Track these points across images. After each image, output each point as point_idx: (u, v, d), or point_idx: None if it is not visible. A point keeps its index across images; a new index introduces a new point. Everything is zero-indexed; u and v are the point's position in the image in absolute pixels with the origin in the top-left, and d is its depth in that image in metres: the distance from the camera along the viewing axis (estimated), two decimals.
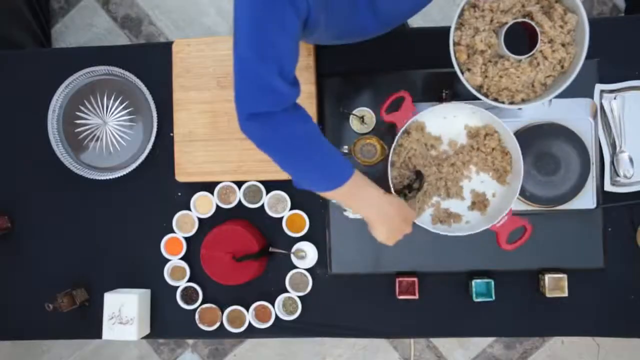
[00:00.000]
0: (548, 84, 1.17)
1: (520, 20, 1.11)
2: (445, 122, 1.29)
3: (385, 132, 1.38)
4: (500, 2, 1.12)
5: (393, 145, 1.25)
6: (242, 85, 0.90)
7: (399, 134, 1.25)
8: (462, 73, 1.16)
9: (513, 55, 1.12)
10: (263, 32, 0.84)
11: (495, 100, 1.17)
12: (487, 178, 1.28)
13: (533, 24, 1.10)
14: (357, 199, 1.06)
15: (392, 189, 1.24)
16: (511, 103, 1.17)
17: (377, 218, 1.09)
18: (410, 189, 1.24)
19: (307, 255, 1.44)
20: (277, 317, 1.45)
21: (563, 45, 1.13)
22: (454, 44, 1.15)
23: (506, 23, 1.12)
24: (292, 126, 0.96)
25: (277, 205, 1.44)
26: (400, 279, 1.38)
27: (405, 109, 1.24)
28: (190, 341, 2.38)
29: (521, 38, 1.13)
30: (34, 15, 2.27)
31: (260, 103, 0.92)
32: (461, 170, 1.28)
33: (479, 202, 1.28)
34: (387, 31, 1.19)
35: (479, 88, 1.17)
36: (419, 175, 1.25)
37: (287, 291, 1.45)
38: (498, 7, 1.12)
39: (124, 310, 1.43)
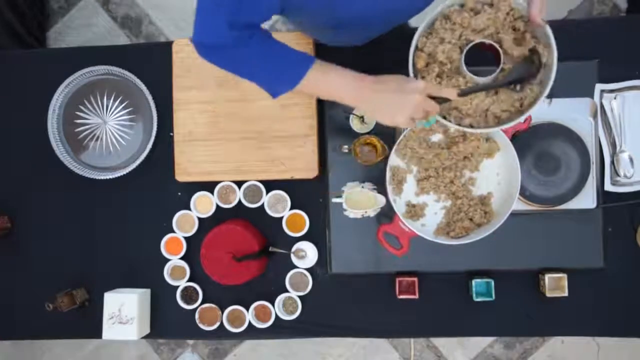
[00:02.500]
0: (502, 119, 1.11)
1: (486, 41, 1.07)
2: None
3: (385, 131, 1.38)
4: (473, 20, 1.07)
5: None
6: (197, 14, 0.97)
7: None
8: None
9: (470, 74, 1.08)
10: None
11: (444, 118, 1.12)
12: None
13: (497, 46, 1.07)
14: (326, 84, 1.02)
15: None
16: (458, 124, 1.11)
17: (355, 96, 1.02)
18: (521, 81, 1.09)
19: (307, 255, 1.44)
20: (277, 317, 1.45)
21: None
22: (416, 48, 1.12)
23: (473, 41, 1.08)
24: (237, 52, 1.00)
25: (277, 205, 1.44)
26: (400, 278, 1.38)
27: None
28: (190, 341, 2.38)
29: (488, 64, 1.08)
30: (17, 15, 2.21)
31: (204, 36, 0.98)
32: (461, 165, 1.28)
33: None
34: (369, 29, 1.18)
35: None
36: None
37: (287, 291, 1.45)
38: (470, 24, 1.07)
39: (124, 310, 1.43)
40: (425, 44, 1.10)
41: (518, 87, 1.08)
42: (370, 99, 1.02)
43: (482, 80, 1.07)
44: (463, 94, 1.05)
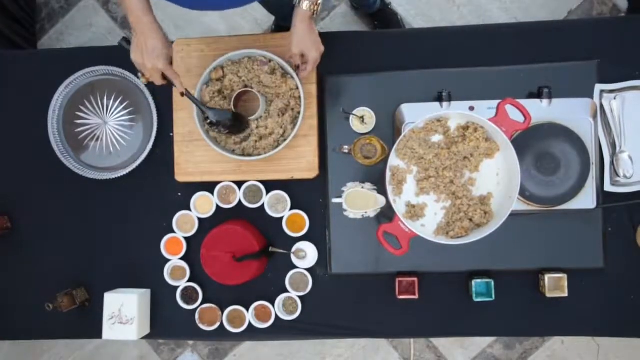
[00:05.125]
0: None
1: (254, 91, 1.35)
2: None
3: (385, 132, 1.38)
4: (263, 76, 1.36)
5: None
6: None
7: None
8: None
9: (230, 108, 1.38)
10: None
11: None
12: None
13: (258, 95, 1.35)
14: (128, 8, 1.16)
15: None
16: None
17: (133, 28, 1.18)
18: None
19: (307, 255, 1.44)
20: (277, 317, 1.45)
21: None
22: (222, 67, 1.39)
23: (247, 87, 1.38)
24: None
25: (277, 205, 1.44)
26: (400, 279, 1.38)
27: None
28: (190, 341, 2.38)
29: None
30: (4, 17, 2.18)
31: None
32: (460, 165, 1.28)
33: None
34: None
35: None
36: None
37: (287, 291, 1.45)
38: (261, 78, 1.36)
39: (124, 310, 1.43)
40: (232, 68, 1.38)
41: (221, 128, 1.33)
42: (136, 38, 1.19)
43: (215, 112, 1.32)
44: (184, 95, 1.27)
